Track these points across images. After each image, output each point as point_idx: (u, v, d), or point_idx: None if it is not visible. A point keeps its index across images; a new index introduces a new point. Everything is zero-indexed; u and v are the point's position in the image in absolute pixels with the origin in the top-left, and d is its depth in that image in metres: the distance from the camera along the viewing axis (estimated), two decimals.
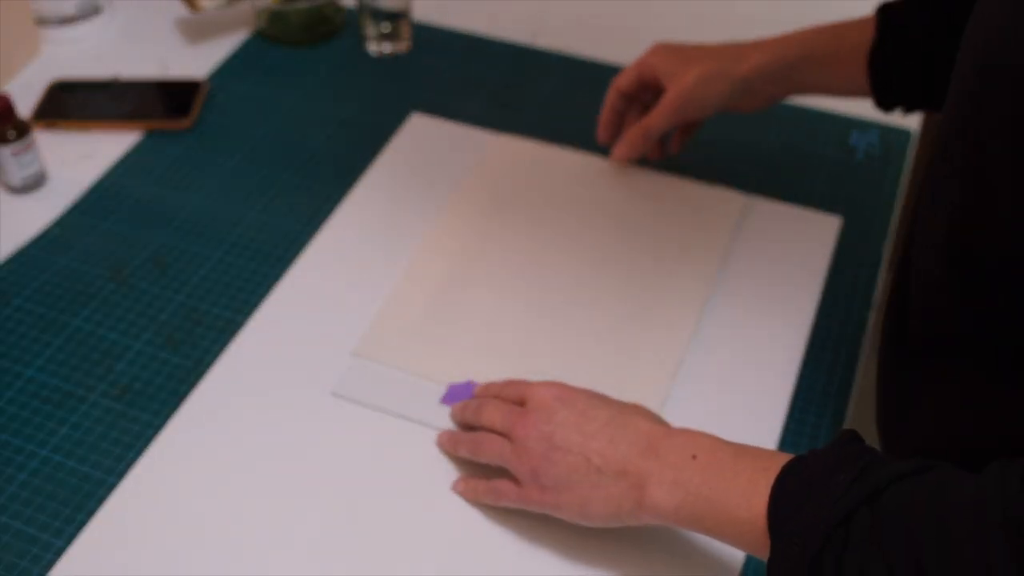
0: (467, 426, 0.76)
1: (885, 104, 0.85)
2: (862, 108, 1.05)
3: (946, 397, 0.65)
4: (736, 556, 0.70)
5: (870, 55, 0.84)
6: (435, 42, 1.14)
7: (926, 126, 1.07)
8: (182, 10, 1.14)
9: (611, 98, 0.94)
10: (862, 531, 0.53)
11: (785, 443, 0.77)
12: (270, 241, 0.92)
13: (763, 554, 0.58)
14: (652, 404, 0.78)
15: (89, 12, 1.14)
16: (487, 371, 0.80)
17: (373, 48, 1.13)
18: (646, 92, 0.94)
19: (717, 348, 0.83)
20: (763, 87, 0.89)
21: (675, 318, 0.85)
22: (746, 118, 1.04)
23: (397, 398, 0.79)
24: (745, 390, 0.80)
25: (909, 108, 0.86)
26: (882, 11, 0.84)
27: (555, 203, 0.94)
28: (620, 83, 0.93)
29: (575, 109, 1.06)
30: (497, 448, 0.70)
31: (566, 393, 0.70)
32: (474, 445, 0.72)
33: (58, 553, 0.70)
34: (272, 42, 1.14)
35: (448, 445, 0.75)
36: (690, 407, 0.79)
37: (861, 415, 0.80)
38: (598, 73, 1.10)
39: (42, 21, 1.13)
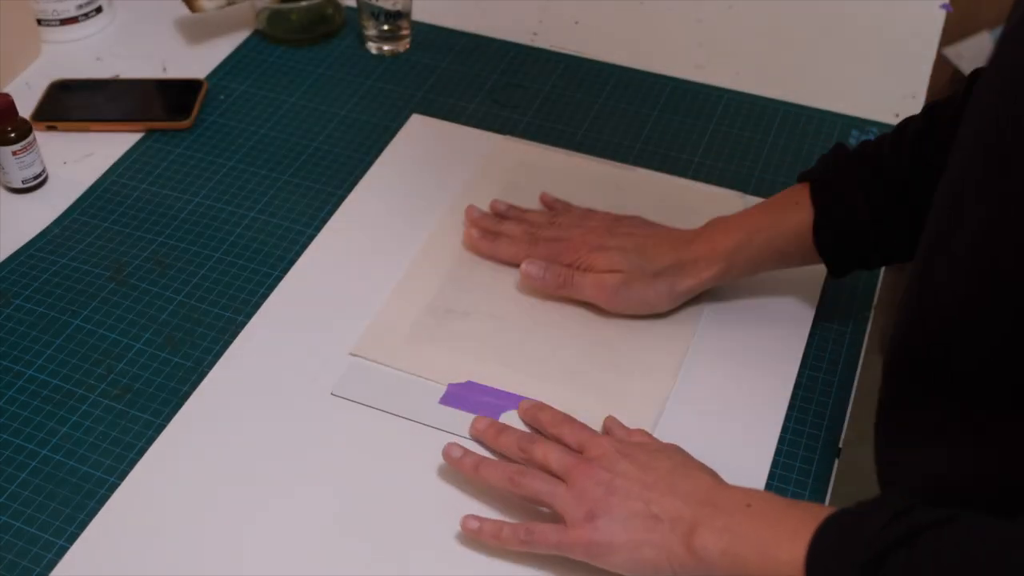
0: (498, 452, 0.74)
1: (840, 274, 0.82)
2: (862, 108, 1.05)
3: (957, 433, 0.64)
4: None
5: (815, 237, 0.80)
6: (435, 42, 1.14)
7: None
8: (182, 10, 1.14)
9: (518, 253, 0.87)
10: (896, 571, 0.54)
11: (784, 443, 0.77)
12: (270, 241, 0.92)
13: None
14: (654, 399, 0.78)
15: (89, 12, 1.14)
16: (487, 371, 0.80)
17: (373, 48, 1.13)
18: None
19: (717, 348, 0.83)
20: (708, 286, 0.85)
21: (676, 317, 0.85)
22: (746, 117, 1.04)
23: (396, 398, 0.79)
24: (745, 390, 0.80)
25: (870, 267, 0.83)
26: (813, 187, 0.81)
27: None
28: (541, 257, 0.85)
29: (575, 109, 1.06)
30: (549, 487, 0.69)
31: (627, 448, 0.70)
32: (518, 476, 0.70)
33: (59, 553, 0.70)
34: (272, 42, 1.15)
35: (468, 466, 0.72)
36: (690, 407, 0.79)
37: (861, 415, 0.80)
38: (598, 73, 1.10)
39: (42, 21, 1.13)
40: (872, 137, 1.02)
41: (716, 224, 0.84)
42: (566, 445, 0.72)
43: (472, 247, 0.89)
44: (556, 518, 0.69)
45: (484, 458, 0.73)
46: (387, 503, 0.73)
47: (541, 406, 0.77)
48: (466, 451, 0.73)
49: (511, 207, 0.92)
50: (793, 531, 0.60)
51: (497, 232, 0.89)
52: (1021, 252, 0.56)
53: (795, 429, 0.78)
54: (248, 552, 0.70)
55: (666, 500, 0.66)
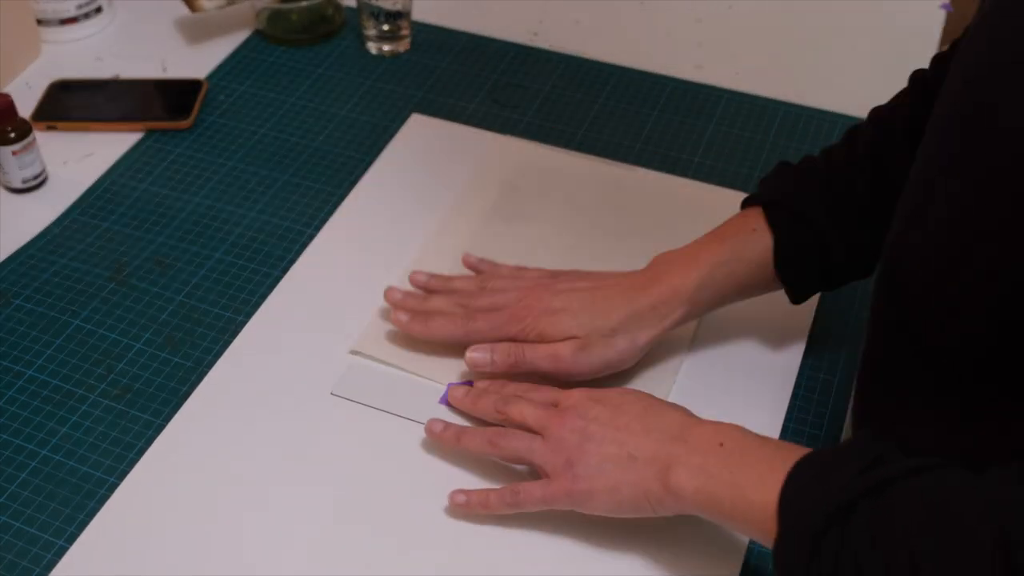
0: (477, 420, 0.75)
1: (800, 299, 0.80)
2: (862, 108, 1.05)
3: (932, 409, 0.65)
4: (735, 557, 0.70)
5: (777, 261, 0.77)
6: (435, 42, 1.14)
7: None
8: (182, 10, 1.14)
9: (456, 333, 0.80)
10: (863, 520, 0.54)
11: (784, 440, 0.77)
12: (270, 241, 0.92)
13: (770, 539, 0.59)
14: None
15: (89, 12, 1.14)
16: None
17: (373, 48, 1.13)
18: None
19: (717, 348, 0.83)
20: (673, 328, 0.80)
21: None
22: (746, 117, 1.04)
23: (396, 398, 0.79)
24: (745, 390, 0.80)
25: (831, 287, 0.81)
26: (768, 210, 0.78)
27: (554, 203, 0.94)
28: (480, 335, 0.79)
29: (575, 109, 1.06)
30: (526, 442, 0.70)
31: (598, 392, 0.71)
32: (496, 437, 0.71)
33: (59, 553, 0.70)
34: (272, 42, 1.15)
35: (449, 437, 0.73)
36: (691, 407, 0.79)
37: None
38: (598, 73, 1.10)
39: (42, 21, 1.13)
40: None
41: (668, 262, 0.79)
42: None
43: (404, 331, 0.81)
44: (537, 476, 0.70)
45: (465, 427, 0.74)
46: (387, 503, 0.73)
47: (504, 381, 0.77)
48: (447, 424, 0.74)
49: (433, 277, 0.84)
50: (765, 473, 0.60)
51: (426, 311, 0.81)
52: (993, 226, 0.56)
53: (795, 429, 0.78)
54: (248, 551, 0.70)
55: (640, 440, 0.67)
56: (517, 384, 0.77)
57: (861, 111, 1.04)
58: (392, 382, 0.80)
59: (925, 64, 0.86)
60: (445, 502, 0.73)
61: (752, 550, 0.71)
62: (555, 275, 0.82)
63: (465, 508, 0.71)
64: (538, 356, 0.77)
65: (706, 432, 0.66)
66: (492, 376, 0.79)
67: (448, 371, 0.81)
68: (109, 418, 0.79)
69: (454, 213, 0.94)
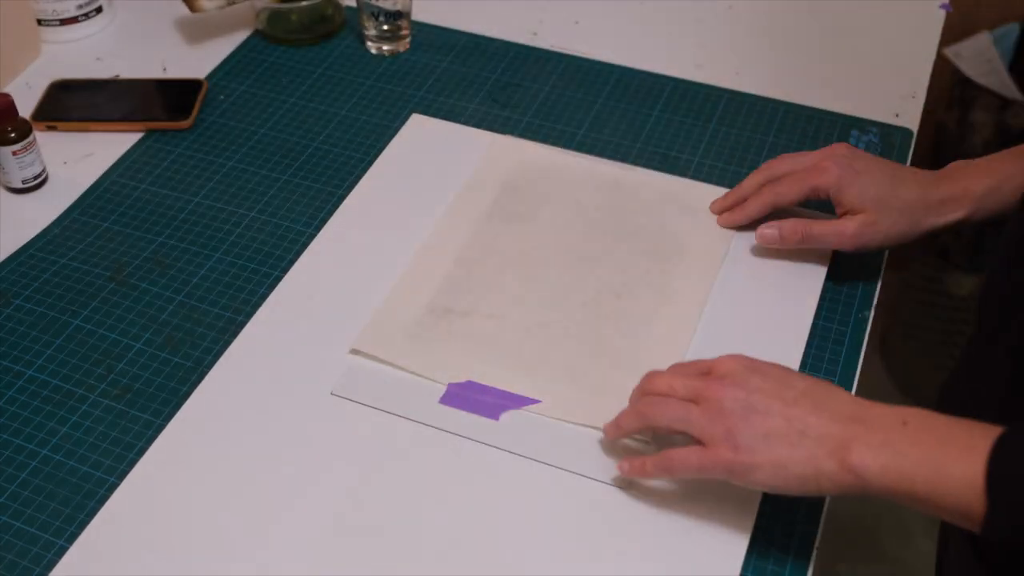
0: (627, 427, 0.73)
1: None
2: (862, 107, 1.05)
3: None
4: (735, 557, 0.70)
5: None
6: (435, 42, 1.14)
7: (925, 125, 1.07)
8: (182, 10, 1.14)
9: (764, 199, 0.88)
10: None
11: None
12: (270, 241, 0.92)
13: (973, 515, 0.58)
14: None
15: (89, 12, 1.14)
16: (487, 371, 0.80)
17: (373, 48, 1.13)
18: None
19: (718, 348, 0.83)
20: (949, 229, 0.85)
21: (676, 317, 0.85)
22: (746, 117, 1.04)
23: (396, 398, 0.79)
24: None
25: None
26: None
27: (555, 203, 0.95)
28: (779, 201, 0.87)
29: (575, 109, 1.06)
30: (682, 410, 0.68)
31: (756, 363, 0.69)
32: (649, 407, 0.70)
33: (59, 553, 0.71)
34: (272, 42, 1.15)
35: (611, 428, 0.73)
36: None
37: None
38: (598, 73, 1.10)
39: (42, 21, 1.13)
40: (872, 136, 1.02)
41: (964, 166, 0.83)
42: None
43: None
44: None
45: (621, 412, 0.73)
46: (387, 503, 0.73)
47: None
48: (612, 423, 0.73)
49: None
50: (965, 447, 0.59)
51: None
52: None
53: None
54: (248, 552, 0.70)
55: (811, 418, 0.64)
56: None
57: (861, 111, 1.05)
58: (392, 382, 0.80)
59: (925, 64, 0.86)
60: (445, 502, 0.73)
61: (752, 550, 0.71)
62: (853, 151, 0.86)
63: (627, 472, 0.71)
64: (824, 232, 0.84)
65: (886, 412, 0.64)
66: (783, 247, 0.86)
67: (448, 371, 0.81)
68: (109, 418, 0.79)
69: (454, 213, 0.94)
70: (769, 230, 0.87)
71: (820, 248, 0.88)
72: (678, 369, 0.73)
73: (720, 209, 0.92)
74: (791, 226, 0.87)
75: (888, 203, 0.83)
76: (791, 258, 0.90)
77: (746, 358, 0.69)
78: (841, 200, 0.84)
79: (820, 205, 0.89)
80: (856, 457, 0.62)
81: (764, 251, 0.90)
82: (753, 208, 0.89)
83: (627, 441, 0.76)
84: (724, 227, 0.91)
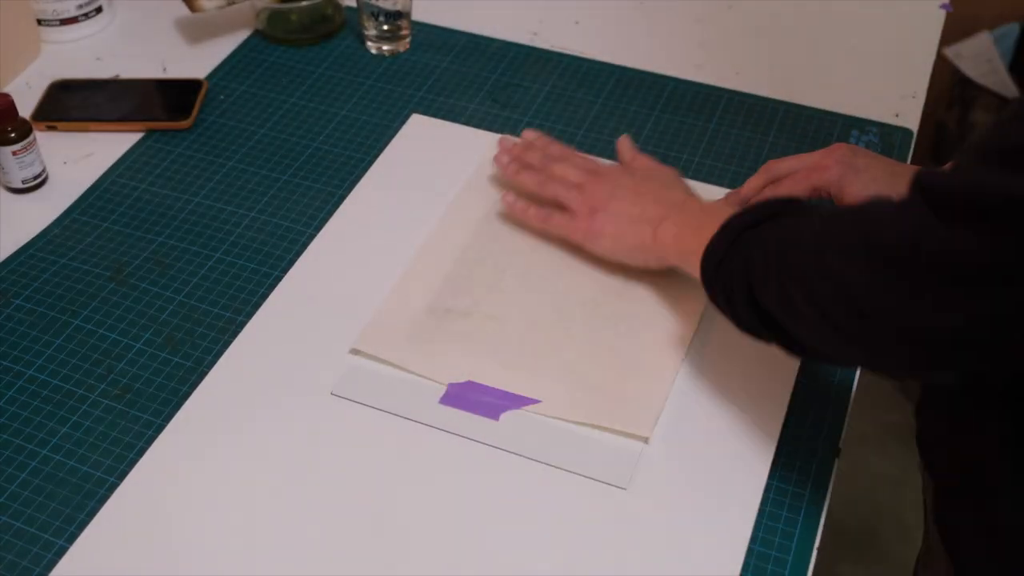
0: (524, 165, 0.92)
1: None
2: (862, 107, 1.05)
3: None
4: (735, 556, 0.70)
5: None
6: (435, 42, 1.14)
7: (925, 125, 1.07)
8: (182, 10, 1.14)
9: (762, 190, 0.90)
10: (756, 237, 0.71)
11: (784, 443, 0.77)
12: (270, 241, 0.92)
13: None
14: (653, 399, 0.78)
15: (89, 12, 1.15)
16: (487, 371, 0.80)
17: (373, 48, 1.13)
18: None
19: (718, 347, 0.83)
20: None
21: (675, 317, 0.85)
22: (746, 117, 1.04)
23: (396, 398, 0.79)
24: (745, 390, 0.80)
25: None
26: None
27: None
28: (790, 191, 0.88)
29: (575, 109, 1.06)
30: (565, 189, 0.88)
31: (631, 168, 0.90)
32: (543, 181, 0.90)
33: (59, 553, 0.71)
34: (272, 42, 1.15)
35: (509, 171, 0.92)
36: (691, 406, 0.79)
37: (861, 415, 0.81)
38: (598, 73, 1.10)
39: (42, 21, 1.13)
40: (872, 136, 1.02)
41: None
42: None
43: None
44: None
45: (524, 165, 0.92)
46: (387, 503, 0.73)
47: (546, 141, 0.94)
48: (510, 160, 0.93)
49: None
50: (719, 220, 0.75)
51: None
52: None
53: (795, 430, 0.78)
54: (248, 551, 0.70)
55: (650, 205, 0.84)
56: (561, 147, 0.93)
57: (861, 111, 1.05)
58: (392, 382, 0.80)
59: (925, 64, 0.86)
60: (445, 502, 0.73)
61: (752, 550, 0.71)
62: (854, 149, 0.89)
63: (511, 208, 0.91)
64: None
65: (696, 203, 0.83)
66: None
67: (448, 371, 0.81)
68: (109, 418, 0.79)
69: (454, 213, 0.94)
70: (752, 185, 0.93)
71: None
72: (574, 159, 0.91)
73: None
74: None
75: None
76: None
77: (626, 168, 0.90)
78: (842, 198, 0.85)
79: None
80: (662, 230, 0.82)
81: None
82: (751, 193, 0.90)
83: (622, 439, 0.76)
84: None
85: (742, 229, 0.73)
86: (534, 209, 0.89)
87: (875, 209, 0.63)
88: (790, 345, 0.69)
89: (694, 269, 0.76)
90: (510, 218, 0.92)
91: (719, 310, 0.75)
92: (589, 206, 0.86)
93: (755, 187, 0.90)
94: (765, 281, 0.68)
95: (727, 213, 0.76)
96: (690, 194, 0.85)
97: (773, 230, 0.71)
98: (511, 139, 0.96)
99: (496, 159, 0.94)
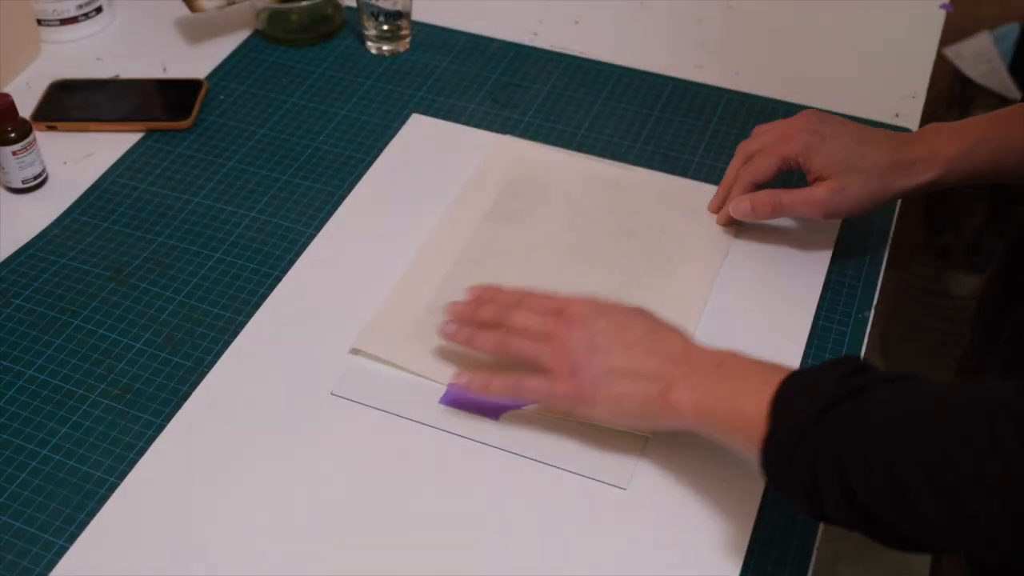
0: (478, 325, 0.78)
1: None
2: (862, 107, 1.05)
3: None
4: (735, 556, 0.70)
5: None
6: (435, 42, 1.14)
7: (924, 125, 1.07)
8: (182, 10, 1.14)
9: (743, 182, 0.88)
10: (844, 416, 0.59)
11: None
12: (270, 241, 0.92)
13: (758, 446, 0.63)
14: None
15: (89, 12, 1.14)
16: (487, 371, 0.80)
17: (373, 48, 1.13)
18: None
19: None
20: (920, 195, 0.85)
21: (677, 317, 0.85)
22: (746, 117, 1.04)
23: (396, 398, 0.79)
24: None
25: None
26: None
27: (555, 203, 0.94)
28: (756, 178, 0.87)
29: (575, 109, 1.06)
30: (534, 344, 0.74)
31: (603, 306, 0.75)
32: (505, 340, 0.75)
33: (59, 553, 0.71)
34: (272, 42, 1.15)
35: (460, 337, 0.77)
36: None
37: None
38: (598, 73, 1.10)
39: (42, 21, 1.13)
40: None
41: (937, 129, 0.83)
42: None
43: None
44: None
45: (476, 330, 0.77)
46: (387, 503, 0.73)
47: (496, 289, 0.79)
48: (459, 327, 0.78)
49: None
50: (758, 386, 0.64)
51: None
52: None
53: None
54: (248, 552, 0.70)
55: (644, 358, 0.71)
56: (513, 291, 0.79)
57: (861, 111, 1.05)
58: (392, 382, 0.80)
59: (925, 64, 0.86)
60: (446, 501, 0.73)
61: (752, 550, 0.71)
62: (821, 116, 0.87)
63: (464, 384, 0.76)
64: (795, 200, 0.84)
65: (704, 355, 0.70)
66: (756, 219, 0.87)
67: (448, 371, 0.80)
68: (109, 418, 0.79)
69: (454, 213, 0.94)
70: (742, 204, 0.88)
71: (792, 216, 0.88)
72: (532, 302, 0.77)
73: (716, 208, 0.93)
74: (763, 198, 0.87)
75: (856, 166, 0.83)
76: (791, 258, 0.90)
77: (594, 301, 0.75)
78: (810, 167, 0.85)
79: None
80: (675, 395, 0.69)
81: (764, 251, 0.90)
82: (736, 196, 0.89)
83: (622, 439, 0.76)
84: (723, 225, 0.91)
85: (815, 412, 0.61)
86: (499, 379, 0.75)
87: (991, 396, 0.55)
88: (889, 538, 0.61)
89: (731, 443, 0.68)
90: (508, 226, 0.92)
91: (789, 499, 0.64)
92: (568, 366, 0.72)
93: (733, 171, 0.90)
94: (871, 482, 0.58)
95: (758, 374, 0.66)
96: (687, 341, 0.73)
97: (865, 417, 0.59)
98: (459, 303, 0.80)
99: (443, 329, 0.78)
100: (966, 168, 0.82)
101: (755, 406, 0.64)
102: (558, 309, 0.75)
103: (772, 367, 0.67)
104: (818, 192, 0.84)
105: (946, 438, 0.55)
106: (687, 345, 0.72)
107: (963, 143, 0.82)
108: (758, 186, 0.88)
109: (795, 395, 0.63)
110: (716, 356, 0.70)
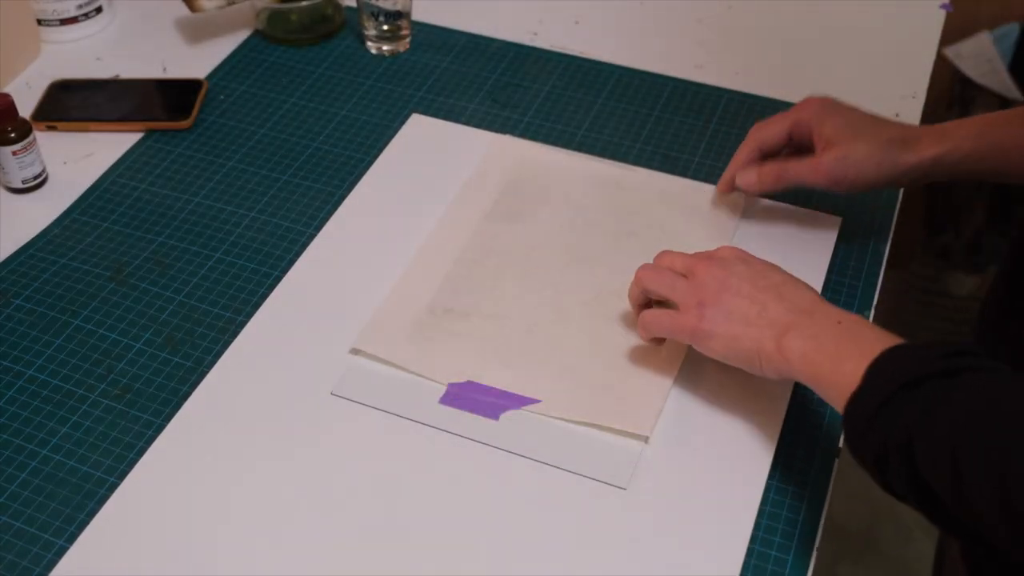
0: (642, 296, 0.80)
1: None
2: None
3: None
4: (735, 556, 0.70)
5: None
6: (435, 42, 1.14)
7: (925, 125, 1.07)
8: (182, 10, 1.14)
9: (748, 152, 0.89)
10: (927, 395, 0.60)
11: (784, 443, 0.77)
12: (270, 241, 0.92)
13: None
14: (653, 398, 0.78)
15: (89, 12, 1.15)
16: (487, 371, 0.80)
17: (373, 48, 1.13)
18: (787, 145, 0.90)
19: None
20: (925, 176, 0.85)
21: None
22: (746, 117, 1.04)
23: (396, 398, 0.79)
24: (746, 390, 0.80)
25: None
26: None
27: (555, 203, 0.95)
28: (766, 139, 0.88)
29: (575, 109, 1.06)
30: (670, 279, 0.77)
31: (746, 255, 0.78)
32: (647, 274, 0.79)
33: (59, 553, 0.71)
34: (272, 42, 1.15)
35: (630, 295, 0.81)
36: (690, 406, 0.79)
37: None
38: (598, 73, 1.10)
39: (42, 21, 1.13)
40: None
41: (945, 123, 0.85)
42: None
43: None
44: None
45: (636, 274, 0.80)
46: (387, 503, 0.73)
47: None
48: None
49: None
50: (865, 349, 0.65)
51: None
52: None
53: (795, 429, 0.78)
54: (248, 552, 0.70)
55: (772, 304, 0.73)
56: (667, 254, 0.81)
57: None
58: (392, 382, 0.80)
59: (925, 64, 0.86)
60: (445, 502, 0.73)
61: (752, 550, 0.71)
62: (835, 100, 0.88)
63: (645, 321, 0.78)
64: (800, 169, 0.85)
65: (829, 312, 0.71)
66: (763, 192, 0.89)
67: (448, 371, 0.81)
68: (109, 418, 0.79)
69: (454, 213, 0.94)
70: (748, 175, 0.89)
71: (798, 185, 0.88)
72: (684, 254, 0.80)
73: (725, 186, 0.93)
74: (768, 168, 0.88)
75: (864, 135, 0.84)
76: (791, 257, 0.90)
77: (742, 250, 0.78)
78: (821, 131, 0.85)
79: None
80: (787, 341, 0.70)
81: (764, 251, 0.90)
82: (741, 155, 0.90)
83: (622, 439, 0.76)
84: (723, 192, 0.93)
85: (901, 383, 0.62)
86: (637, 314, 0.80)
87: None
88: (947, 525, 0.61)
89: (828, 398, 0.69)
90: (508, 226, 0.92)
91: (861, 465, 0.65)
92: (697, 299, 0.75)
93: (744, 160, 0.90)
94: (935, 463, 0.59)
95: (871, 339, 0.67)
96: (818, 297, 0.74)
97: (948, 399, 0.59)
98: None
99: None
100: (973, 149, 0.82)
101: (854, 367, 0.65)
102: (707, 254, 0.78)
103: (888, 335, 0.67)
104: (824, 159, 0.84)
105: (1012, 436, 0.55)
106: (815, 301, 0.73)
107: (973, 127, 0.83)
108: (765, 153, 0.89)
109: (891, 365, 0.64)
110: (839, 315, 0.71)
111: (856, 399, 0.64)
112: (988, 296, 0.86)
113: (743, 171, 0.89)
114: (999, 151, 0.82)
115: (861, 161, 0.84)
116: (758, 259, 0.77)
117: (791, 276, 0.76)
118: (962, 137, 0.83)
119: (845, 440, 0.65)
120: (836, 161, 0.84)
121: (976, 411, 0.57)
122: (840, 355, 0.67)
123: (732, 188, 0.92)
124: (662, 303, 0.80)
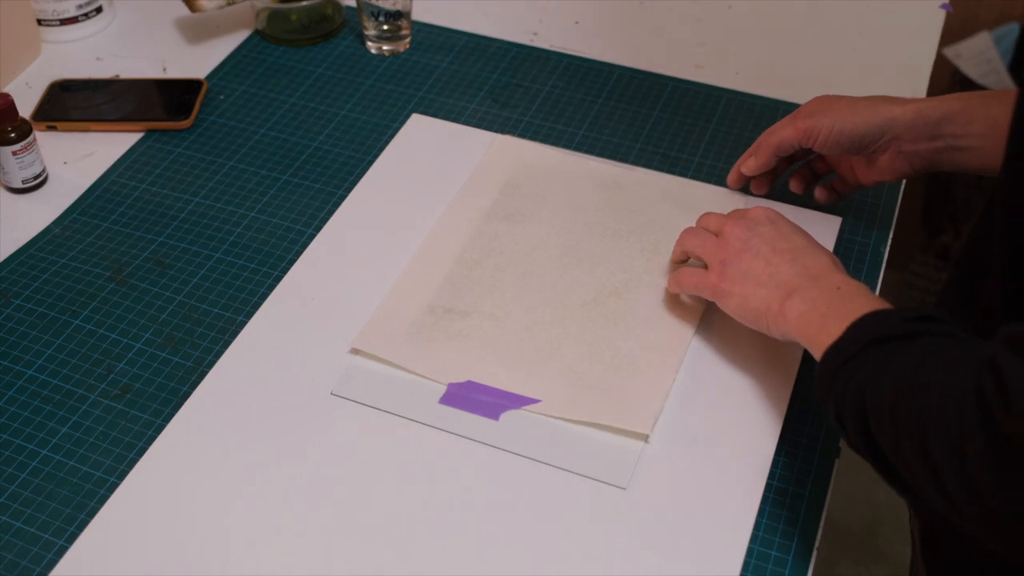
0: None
1: None
2: None
3: None
4: (735, 557, 0.70)
5: None
6: (435, 42, 1.15)
7: None
8: (182, 10, 1.14)
9: (766, 159, 0.90)
10: (884, 355, 0.63)
11: (784, 443, 0.77)
12: (270, 241, 0.92)
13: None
14: (653, 398, 0.78)
15: (89, 12, 1.15)
16: (487, 371, 0.80)
17: (373, 48, 1.13)
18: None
19: (718, 347, 0.83)
20: (908, 139, 0.84)
21: (675, 317, 0.85)
22: (746, 117, 1.04)
23: (396, 398, 0.79)
24: (745, 389, 0.80)
25: None
26: None
27: (554, 203, 0.95)
28: (782, 145, 0.88)
29: (575, 109, 1.06)
30: (701, 239, 0.82)
31: (777, 216, 0.80)
32: (685, 234, 0.84)
33: (59, 553, 0.71)
34: (272, 42, 1.15)
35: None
36: (690, 405, 0.79)
37: None
38: (598, 73, 1.10)
39: (42, 21, 1.13)
40: None
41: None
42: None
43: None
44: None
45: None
46: (387, 503, 0.73)
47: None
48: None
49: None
50: (851, 312, 0.68)
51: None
52: None
53: (795, 429, 0.78)
54: (248, 552, 0.70)
55: (784, 267, 0.76)
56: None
57: None
58: (392, 382, 0.80)
59: (925, 64, 0.86)
60: (446, 501, 0.73)
61: (752, 550, 0.71)
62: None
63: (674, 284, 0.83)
64: (784, 133, 0.87)
65: (835, 278, 0.74)
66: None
67: (448, 371, 0.81)
68: (109, 418, 0.79)
69: (454, 213, 0.94)
70: (746, 162, 0.91)
71: (784, 150, 0.88)
72: (721, 214, 0.83)
73: (734, 182, 0.94)
74: (763, 147, 0.89)
75: (852, 98, 0.86)
76: None
77: (774, 211, 0.81)
78: (810, 108, 0.87)
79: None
80: (790, 303, 0.73)
81: None
82: (759, 155, 0.91)
83: (622, 439, 0.76)
84: (733, 186, 0.95)
85: (867, 341, 0.65)
86: (671, 276, 0.85)
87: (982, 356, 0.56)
88: (899, 487, 0.63)
89: (816, 357, 0.70)
90: (508, 226, 0.92)
91: (827, 416, 0.69)
92: (720, 257, 0.79)
93: (760, 166, 0.91)
94: (880, 421, 0.61)
95: (861, 304, 0.69)
96: (834, 264, 0.76)
97: (897, 358, 0.62)
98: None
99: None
100: (958, 108, 0.82)
101: (837, 328, 0.68)
102: (740, 213, 0.81)
103: (878, 301, 0.70)
104: (802, 120, 0.86)
105: (934, 397, 0.57)
106: (828, 267, 0.75)
107: (961, 101, 0.83)
108: (780, 150, 0.89)
109: (862, 326, 0.66)
110: (842, 281, 0.73)
111: (825, 359, 0.67)
112: (947, 282, 0.85)
113: (743, 161, 0.92)
114: (990, 123, 0.81)
115: (840, 109, 0.85)
116: (786, 221, 0.80)
117: (812, 241, 0.78)
118: (952, 97, 0.83)
119: (818, 392, 0.68)
120: (810, 118, 0.85)
121: (909, 370, 0.60)
122: (827, 317, 0.70)
123: (742, 181, 0.94)
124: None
